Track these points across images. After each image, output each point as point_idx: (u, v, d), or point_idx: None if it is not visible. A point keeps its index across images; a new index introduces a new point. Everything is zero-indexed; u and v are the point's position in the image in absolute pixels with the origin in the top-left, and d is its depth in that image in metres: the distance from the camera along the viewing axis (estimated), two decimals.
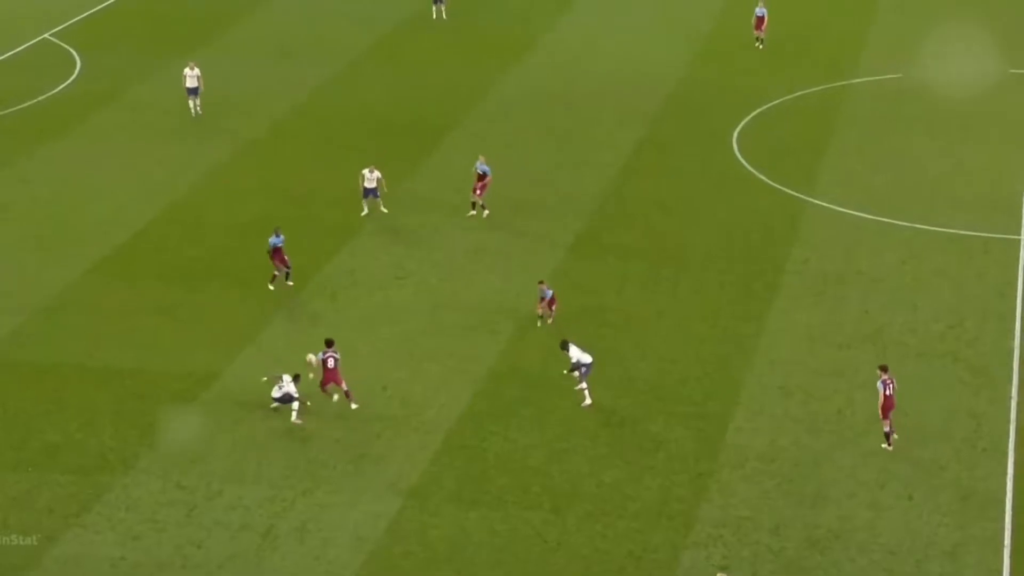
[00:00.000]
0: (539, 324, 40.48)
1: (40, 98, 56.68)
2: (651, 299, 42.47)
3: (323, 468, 34.59)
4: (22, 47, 62.41)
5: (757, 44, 62.46)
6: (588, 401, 37.13)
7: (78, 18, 66.22)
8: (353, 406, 36.88)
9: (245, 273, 43.48)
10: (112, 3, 68.22)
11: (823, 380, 37.94)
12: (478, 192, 47.03)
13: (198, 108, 54.55)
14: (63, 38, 63.60)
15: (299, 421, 36.23)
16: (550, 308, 40.27)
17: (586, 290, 42.91)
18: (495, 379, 38.37)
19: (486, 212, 47.16)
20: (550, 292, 40.40)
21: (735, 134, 54.14)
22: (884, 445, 35.23)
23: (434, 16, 66.00)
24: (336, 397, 37.13)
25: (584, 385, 37.08)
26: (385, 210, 46.24)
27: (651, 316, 41.53)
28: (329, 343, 37.07)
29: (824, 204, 48.36)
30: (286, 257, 42.63)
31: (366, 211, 46.02)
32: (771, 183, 50.00)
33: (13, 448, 35.01)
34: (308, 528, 32.54)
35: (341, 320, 41.20)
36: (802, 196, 48.94)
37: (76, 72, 59.70)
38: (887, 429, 35.12)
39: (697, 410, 36.97)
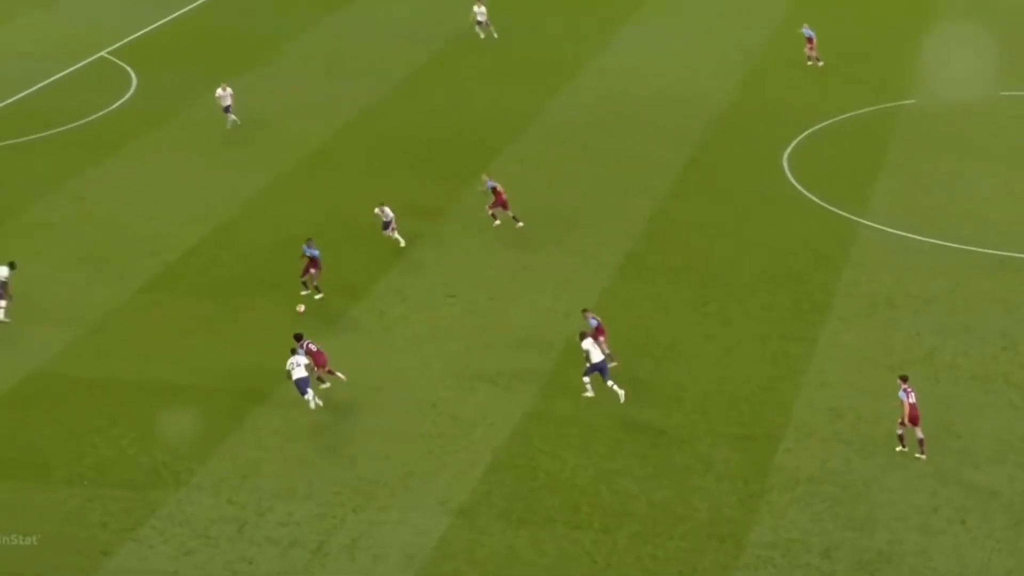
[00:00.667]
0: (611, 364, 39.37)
1: (95, 116, 57.11)
2: (700, 320, 42.25)
3: (373, 485, 34.56)
4: (80, 64, 62.93)
5: (810, 63, 62.26)
6: (590, 393, 37.38)
7: (134, 36, 66.73)
8: (323, 385, 37.91)
9: (295, 291, 43.57)
10: (167, 21, 68.75)
11: (873, 402, 37.59)
12: (504, 208, 47.31)
13: (234, 121, 55.07)
14: (120, 56, 64.10)
15: (316, 403, 36.96)
16: (597, 337, 39.61)
17: (634, 311, 42.75)
18: (544, 398, 38.26)
19: (519, 223, 47.47)
20: (595, 320, 39.67)
21: (786, 155, 53.88)
22: (917, 454, 34.99)
23: (482, 36, 65.95)
24: (326, 384, 37.85)
25: (587, 379, 37.39)
26: (403, 243, 45.94)
27: (700, 337, 41.31)
28: (298, 337, 37.94)
29: (875, 225, 48.03)
30: (315, 270, 42.80)
31: (402, 242, 45.74)
32: (822, 204, 49.70)
33: (68, 463, 35.18)
34: (358, 545, 32.50)
35: (390, 338, 41.22)
36: (853, 217, 48.62)
37: (132, 90, 60.15)
38: (920, 436, 35.00)
39: (746, 431, 36.71)
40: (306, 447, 36.08)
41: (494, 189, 47.51)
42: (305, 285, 43.19)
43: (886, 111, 58.17)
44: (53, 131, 55.06)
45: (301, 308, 39.72)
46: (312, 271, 43.17)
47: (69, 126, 55.55)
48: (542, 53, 65.39)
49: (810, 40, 62.42)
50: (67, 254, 46.14)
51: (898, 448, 35.42)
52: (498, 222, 47.61)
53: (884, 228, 47.83)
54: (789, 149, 54.43)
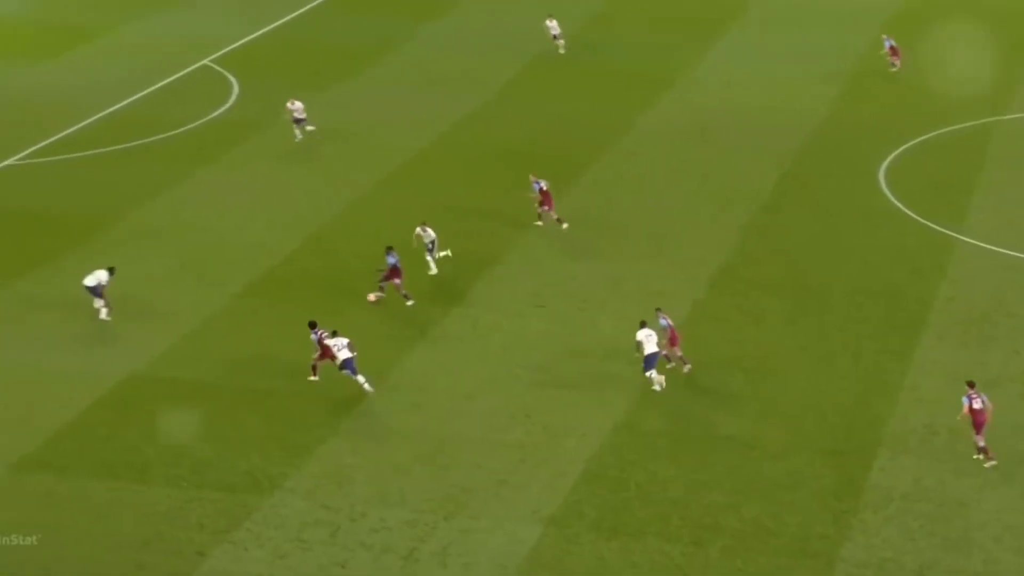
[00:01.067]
0: (669, 365, 39.64)
1: (197, 123, 57.83)
2: (793, 334, 41.87)
3: (465, 493, 34.62)
4: (183, 72, 63.80)
5: (894, 69, 61.81)
6: (657, 387, 38.17)
7: (237, 44, 67.53)
8: (312, 378, 38.81)
9: (389, 299, 43.83)
10: (269, 31, 69.48)
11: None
12: (548, 208, 47.64)
13: (300, 134, 55.37)
14: (222, 64, 64.92)
15: (370, 388, 38.19)
16: (672, 345, 39.52)
17: (726, 324, 42.47)
18: (635, 409, 38.11)
19: (564, 224, 47.89)
20: (667, 322, 39.37)
21: (883, 168, 53.29)
22: (983, 461, 34.68)
23: (562, 51, 65.62)
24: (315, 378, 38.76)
25: (650, 374, 38.08)
26: (435, 271, 45.24)
27: (793, 351, 40.94)
28: (312, 325, 38.90)
29: (973, 241, 47.32)
30: (398, 279, 43.07)
31: (434, 270, 45.17)
32: (919, 218, 49.07)
33: (166, 464, 35.63)
34: (450, 552, 32.58)
35: (482, 347, 41.31)
36: (950, 233, 47.95)
37: (233, 98, 60.87)
38: (981, 444, 34.59)
39: (839, 447, 36.31)
40: (400, 454, 36.24)
41: (541, 190, 47.81)
42: (381, 289, 43.31)
43: (985, 126, 57.32)
44: (156, 138, 55.84)
45: (372, 297, 41.16)
46: (396, 281, 43.26)
47: (171, 133, 56.26)
48: (636, 65, 65.20)
49: (893, 50, 62.11)
50: (167, 260, 46.75)
51: (975, 456, 34.96)
52: (540, 223, 48.00)
53: (982, 244, 47.10)
54: (886, 163, 53.82)
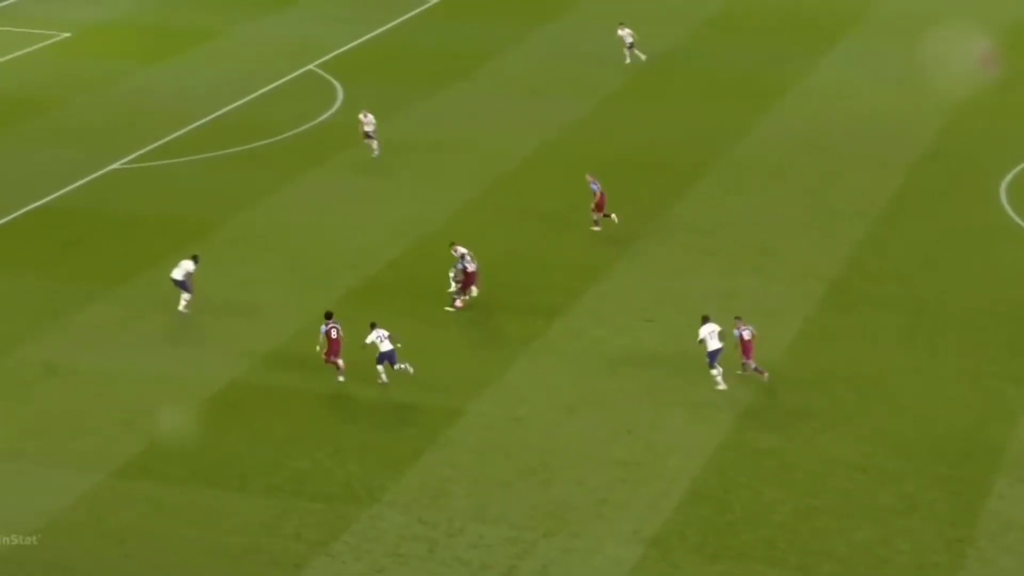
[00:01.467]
0: (739, 371, 39.52)
1: (302, 128, 58.25)
2: (907, 354, 41.08)
3: (565, 510, 34.38)
4: (289, 77, 64.36)
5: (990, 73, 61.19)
6: (722, 387, 38.82)
7: (342, 49, 67.97)
8: (340, 379, 39.42)
9: (490, 310, 43.72)
10: (375, 35, 69.83)
11: None
12: (599, 210, 48.06)
13: (375, 151, 54.87)
14: (328, 69, 65.38)
15: (410, 369, 39.19)
16: (745, 356, 39.20)
17: (839, 341, 41.80)
18: (741, 429, 37.63)
19: (597, 227, 48.33)
20: (747, 331, 39.08)
21: (1004, 185, 52.15)
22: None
23: (627, 60, 64.88)
24: (341, 378, 39.29)
25: (714, 371, 38.68)
26: (455, 294, 44.36)
27: (907, 371, 40.16)
28: (329, 315, 39.37)
29: None
30: (472, 285, 43.10)
31: (453, 288, 44.27)
32: None
33: (265, 472, 35.83)
34: (549, 571, 32.34)
35: (587, 361, 41.04)
36: None
37: (337, 104, 61.27)
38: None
39: (954, 472, 35.50)
40: (499, 468, 36.10)
41: (595, 192, 47.92)
42: (463, 291, 43.37)
43: None
44: (261, 143, 56.33)
45: (458, 303, 42.09)
46: (470, 287, 43.12)
47: (277, 138, 56.72)
48: (748, 74, 64.55)
49: (987, 55, 61.33)
50: (271, 264, 47.11)
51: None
52: (598, 228, 48.04)
53: None
54: (1008, 178, 52.66)
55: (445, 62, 66.23)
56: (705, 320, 39.38)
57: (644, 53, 64.94)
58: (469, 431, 37.65)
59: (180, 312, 43.32)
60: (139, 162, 55.24)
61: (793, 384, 39.70)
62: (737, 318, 39.71)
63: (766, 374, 39.44)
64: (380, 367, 39.37)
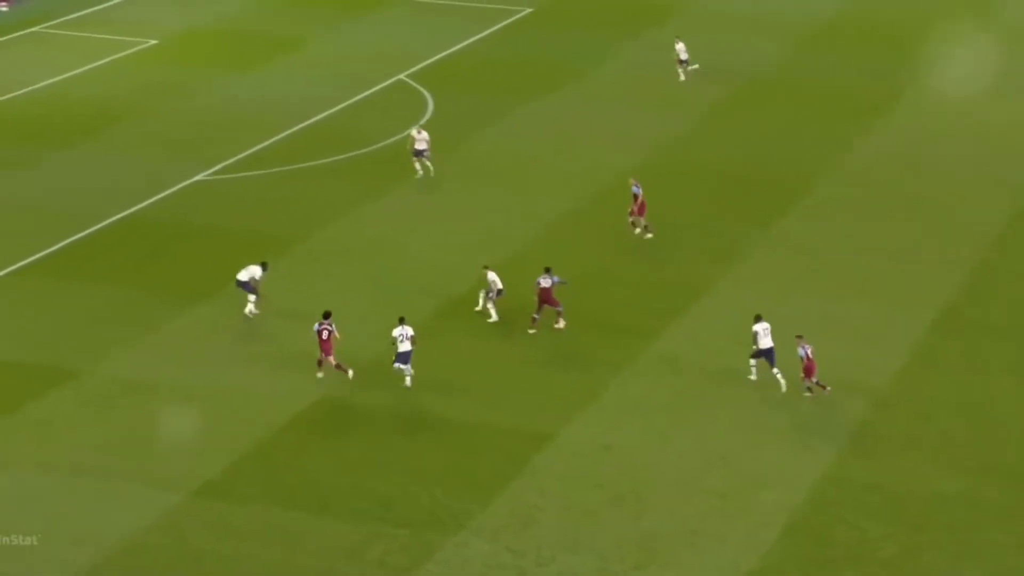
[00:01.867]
0: (807, 393, 39.56)
1: (390, 140, 58.36)
2: (1019, 383, 40.31)
3: (656, 541, 33.99)
4: (377, 87, 64.56)
5: None
6: (753, 376, 40.22)
7: (433, 59, 68.10)
8: (319, 375, 40.58)
9: (582, 330, 43.41)
10: (467, 45, 69.84)
11: None
12: (636, 212, 48.66)
13: (430, 170, 54.35)
14: (418, 79, 65.51)
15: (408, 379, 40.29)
16: (808, 375, 39.14)
17: (948, 369, 41.04)
18: (844, 460, 37.02)
19: (649, 235, 48.85)
20: (804, 351, 39.18)
21: None
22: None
23: (682, 78, 64.10)
24: (351, 373, 40.36)
25: (775, 371, 39.71)
26: (495, 319, 44.21)
27: (1019, 401, 39.38)
28: (326, 315, 40.46)
29: None
30: (550, 304, 43.05)
31: (495, 318, 44.23)
32: None
33: (347, 496, 35.77)
34: None
35: (681, 386, 40.60)
36: None
37: (427, 115, 61.34)
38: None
39: None
40: (589, 496, 35.77)
41: (636, 196, 48.50)
42: (559, 315, 43.32)
43: None
44: (348, 154, 56.45)
45: (531, 332, 42.54)
46: (557, 307, 43.05)
47: (365, 150, 56.80)
48: (856, 88, 63.78)
49: None
50: (355, 280, 47.16)
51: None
52: (639, 230, 48.70)
53: None
54: None
55: (538, 73, 66.07)
56: (758, 319, 40.26)
57: (696, 63, 64.26)
58: (558, 457, 37.35)
59: (248, 315, 43.97)
60: (224, 173, 55.64)
61: (899, 413, 39.01)
62: (799, 336, 39.60)
63: (828, 388, 39.37)
64: (402, 367, 40.15)
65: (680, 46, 64.40)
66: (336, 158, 56.06)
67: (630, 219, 49.05)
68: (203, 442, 38.12)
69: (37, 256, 48.42)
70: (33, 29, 72.43)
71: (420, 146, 54.03)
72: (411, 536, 34.17)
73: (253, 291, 43.90)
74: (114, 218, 51.52)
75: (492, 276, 44.04)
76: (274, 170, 55.91)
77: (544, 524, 34.66)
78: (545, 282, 43.24)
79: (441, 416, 39.26)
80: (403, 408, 39.65)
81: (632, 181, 49.35)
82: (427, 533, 34.28)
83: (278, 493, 35.93)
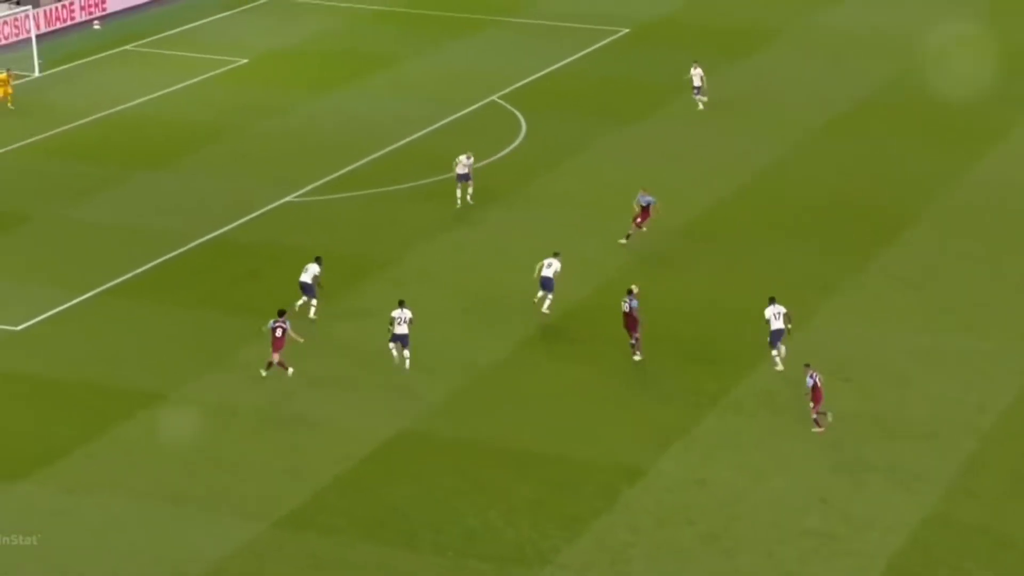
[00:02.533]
0: (816, 429, 39.48)
1: (482, 163, 58.50)
2: None
3: None
4: (470, 108, 64.83)
5: None
6: (780, 367, 41.77)
7: (527, 80, 68.26)
8: (263, 373, 42.20)
9: (679, 361, 43.21)
10: (562, 66, 69.87)
11: None
12: (638, 222, 50.09)
13: (469, 197, 54.11)
14: (511, 101, 65.69)
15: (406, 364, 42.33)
16: (814, 401, 39.33)
17: None
18: (948, 501, 36.53)
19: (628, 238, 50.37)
20: (813, 379, 39.23)
21: None
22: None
23: (700, 107, 63.27)
24: (291, 371, 42.12)
25: (774, 352, 41.66)
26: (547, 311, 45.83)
27: None
28: (281, 313, 42.06)
29: None
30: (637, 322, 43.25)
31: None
32: None
33: (434, 530, 35.84)
34: None
35: (777, 421, 40.29)
36: None
37: (520, 138, 61.48)
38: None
39: None
40: (681, 533, 35.57)
41: (646, 206, 49.97)
42: (634, 345, 43.29)
43: None
44: (439, 177, 56.61)
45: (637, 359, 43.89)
46: (634, 332, 43.06)
47: (454, 173, 56.92)
48: (968, 115, 63.04)
49: None
50: (444, 306, 47.28)
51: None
52: (629, 237, 50.23)
53: None
54: None
55: (633, 95, 65.98)
56: (772, 301, 42.09)
57: (706, 97, 63.20)
58: (650, 492, 37.18)
59: (311, 320, 45.12)
60: (313, 195, 56.13)
61: (1006, 453, 38.43)
62: (806, 365, 39.64)
63: (829, 415, 39.50)
64: (392, 345, 42.34)
65: (697, 72, 63.19)
66: (426, 181, 56.32)
67: (637, 227, 50.28)
68: (286, 471, 38.38)
69: (125, 277, 49.13)
70: (124, 47, 73.63)
71: (461, 170, 53.94)
72: (496, 571, 34.16)
73: (315, 294, 45.28)
74: (202, 239, 52.15)
75: (554, 262, 45.56)
76: (363, 192, 56.32)
77: (634, 561, 34.50)
78: (625, 306, 43.07)
79: (529, 448, 39.23)
80: (490, 440, 39.68)
81: (642, 191, 50.28)
82: (512, 568, 34.26)
83: (362, 525, 36.08)
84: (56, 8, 76.21)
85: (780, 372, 41.86)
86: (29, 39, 70.69)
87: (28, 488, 37.58)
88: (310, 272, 45.52)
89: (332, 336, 45.12)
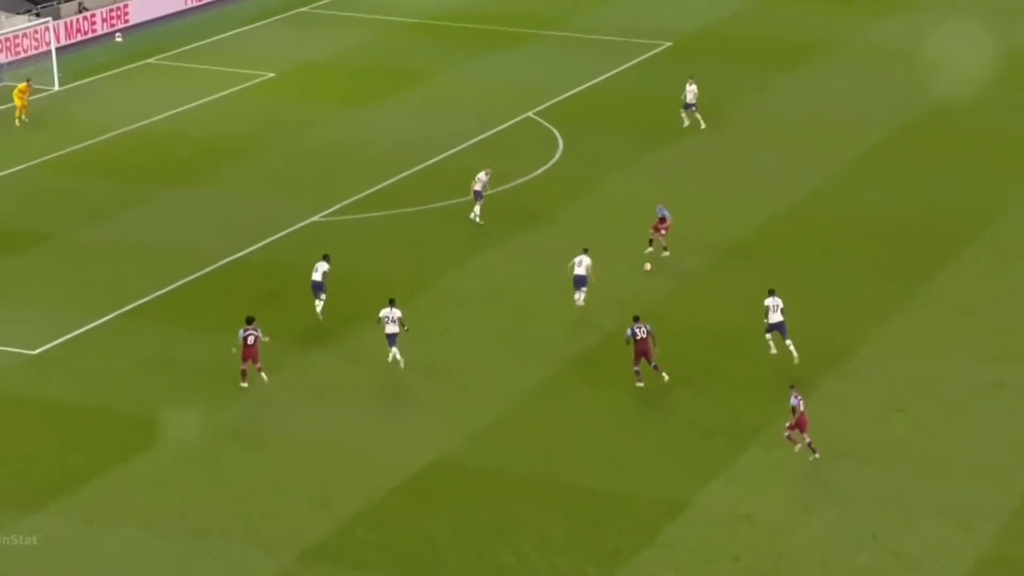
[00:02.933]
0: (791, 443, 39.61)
1: (517, 182, 58.50)
2: None
3: None
4: (504, 125, 64.84)
5: None
6: (774, 351, 44.26)
7: (564, 96, 68.26)
8: (243, 384, 43.19)
9: (720, 390, 43.03)
10: (598, 82, 69.82)
11: None
12: (661, 232, 51.04)
13: (476, 216, 54.25)
14: (547, 117, 65.69)
15: (399, 361, 43.80)
16: (801, 429, 39.12)
17: None
18: (1006, 540, 36.22)
19: (666, 253, 51.15)
20: (797, 400, 39.09)
21: None
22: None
23: (685, 124, 63.18)
24: (265, 377, 42.98)
25: (768, 336, 44.27)
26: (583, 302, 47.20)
27: None
28: (250, 320, 42.82)
29: None
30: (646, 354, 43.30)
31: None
32: None
33: (466, 563, 35.72)
34: None
35: (832, 453, 39.97)
36: None
37: (557, 155, 61.44)
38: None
39: None
40: (725, 569, 35.44)
41: (663, 218, 50.78)
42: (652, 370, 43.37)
43: None
44: (471, 197, 56.49)
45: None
46: (647, 359, 43.12)
47: (491, 191, 56.91)
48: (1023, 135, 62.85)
49: None
50: (477, 330, 47.24)
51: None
52: (667, 253, 51.03)
53: None
54: None
55: (673, 112, 65.73)
56: (771, 292, 44.31)
57: (699, 114, 63.08)
58: (692, 527, 36.98)
59: (318, 317, 46.82)
60: (341, 214, 56.22)
61: None
62: (792, 387, 39.53)
63: (816, 455, 39.21)
64: (392, 349, 43.89)
65: (692, 88, 62.94)
66: (457, 200, 56.29)
67: (652, 237, 51.14)
68: (314, 501, 38.31)
69: (146, 299, 49.24)
70: (147, 61, 74.05)
71: (477, 187, 54.20)
72: None
73: (324, 290, 46.86)
74: (226, 260, 52.26)
75: (584, 259, 47.21)
76: (394, 212, 56.35)
77: None
78: (640, 331, 42.98)
79: (566, 480, 39.08)
80: (527, 471, 39.54)
81: (660, 205, 51.18)
82: None
83: (392, 559, 35.98)
84: (77, 20, 76.73)
85: (772, 354, 44.31)
86: (49, 52, 71.14)
87: (45, 519, 37.61)
88: (320, 270, 47.18)
89: (362, 361, 45.11)
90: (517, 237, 54.00)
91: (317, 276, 47.13)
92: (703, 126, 63.17)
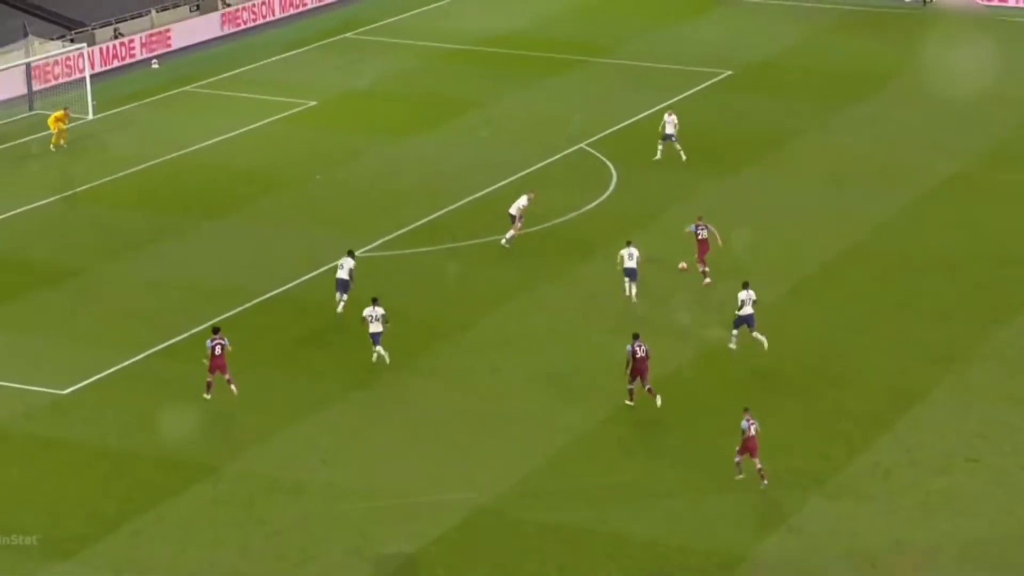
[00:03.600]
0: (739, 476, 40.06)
1: (568, 216, 58.19)
2: None
3: None
4: (556, 157, 64.58)
5: None
6: (732, 345, 46.55)
7: (619, 126, 67.99)
8: (206, 396, 44.06)
9: (782, 432, 42.46)
10: (654, 112, 69.33)
11: None
12: (700, 255, 51.59)
13: (506, 240, 54.50)
14: (600, 148, 65.38)
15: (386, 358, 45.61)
16: (751, 454, 39.35)
17: None
18: None
19: (707, 281, 51.62)
20: (751, 424, 39.45)
21: None
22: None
23: (658, 156, 62.58)
24: (235, 389, 43.67)
25: (734, 332, 46.24)
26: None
27: None
28: (216, 330, 43.96)
29: None
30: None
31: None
32: None
33: None
34: None
35: (894, 504, 39.43)
36: None
37: (611, 187, 61.11)
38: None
39: None
40: None
41: (699, 237, 51.34)
42: (631, 380, 43.53)
43: None
44: (522, 231, 56.20)
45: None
46: (643, 379, 43.11)
47: (541, 226, 56.63)
48: None
49: None
50: (524, 372, 46.88)
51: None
52: (684, 265, 52.04)
53: None
54: None
55: (732, 143, 65.57)
56: (745, 285, 46.13)
57: (678, 145, 62.60)
58: None
59: (338, 314, 48.57)
60: (384, 249, 56.01)
61: None
62: (746, 409, 39.75)
63: (765, 481, 39.74)
64: (376, 347, 45.64)
65: (671, 119, 62.62)
66: (508, 235, 55.92)
67: (700, 268, 51.68)
68: (351, 551, 37.99)
69: (180, 337, 49.08)
70: (185, 88, 74.28)
71: (512, 211, 54.80)
72: None
73: (349, 289, 48.52)
74: (265, 296, 52.12)
75: (633, 251, 49.54)
76: (439, 247, 56.11)
77: None
78: (640, 350, 42.88)
79: (617, 531, 38.61)
80: (575, 521, 39.09)
81: (698, 218, 52.05)
82: None
83: None
84: (113, 46, 77.09)
85: (731, 347, 46.51)
86: (83, 79, 71.46)
87: (72, 568, 37.42)
88: (345, 267, 48.90)
89: (404, 401, 44.88)
90: (569, 273, 53.65)
91: (343, 273, 48.67)
92: (684, 158, 62.60)
